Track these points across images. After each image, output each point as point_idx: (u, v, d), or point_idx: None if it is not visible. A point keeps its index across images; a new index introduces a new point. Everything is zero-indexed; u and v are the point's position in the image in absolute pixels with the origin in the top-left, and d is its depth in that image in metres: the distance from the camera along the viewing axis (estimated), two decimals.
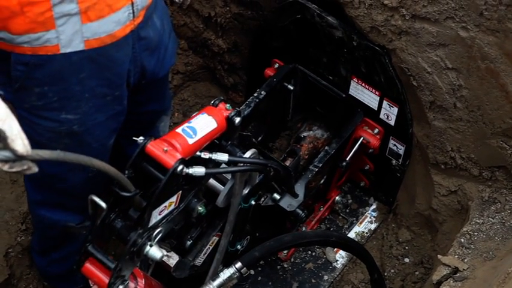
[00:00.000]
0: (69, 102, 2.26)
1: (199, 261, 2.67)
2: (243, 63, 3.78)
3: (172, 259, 2.60)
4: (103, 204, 2.05)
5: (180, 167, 2.06)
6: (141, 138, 2.09)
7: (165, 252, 2.47)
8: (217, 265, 2.67)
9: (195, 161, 2.19)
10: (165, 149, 2.07)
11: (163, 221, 2.24)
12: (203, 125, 2.22)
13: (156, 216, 2.17)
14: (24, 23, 2.00)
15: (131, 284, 2.30)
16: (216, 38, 3.74)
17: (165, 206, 2.20)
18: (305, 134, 3.27)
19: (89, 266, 2.17)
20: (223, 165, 2.34)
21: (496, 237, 2.64)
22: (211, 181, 2.54)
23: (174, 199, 2.21)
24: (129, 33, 2.27)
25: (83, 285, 3.08)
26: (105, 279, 2.14)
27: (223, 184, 2.54)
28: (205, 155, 2.21)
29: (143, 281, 2.35)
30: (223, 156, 2.25)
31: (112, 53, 2.25)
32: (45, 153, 1.64)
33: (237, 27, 3.58)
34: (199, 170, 2.14)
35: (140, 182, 2.07)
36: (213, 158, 2.22)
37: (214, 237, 2.67)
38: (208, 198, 2.50)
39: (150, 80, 2.56)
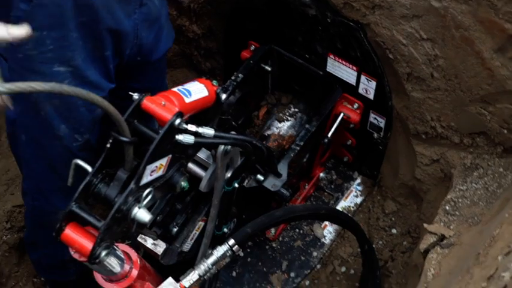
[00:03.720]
0: (65, 52, 2.25)
1: (186, 247, 2.67)
2: (219, 48, 3.77)
3: (160, 247, 2.59)
4: (88, 168, 2.00)
5: (178, 120, 2.03)
6: (136, 94, 2.04)
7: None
8: (205, 249, 2.67)
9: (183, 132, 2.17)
10: (163, 102, 2.05)
11: (154, 182, 2.18)
12: (196, 89, 2.20)
13: (147, 176, 2.11)
14: None
15: (126, 266, 2.29)
16: (190, 23, 3.72)
17: (156, 167, 2.14)
18: (269, 132, 3.25)
19: (69, 232, 2.02)
20: None
21: (480, 202, 2.66)
22: (193, 167, 2.54)
23: (164, 162, 2.18)
24: None
25: (76, 278, 3.08)
26: (88, 245, 2.00)
27: (205, 169, 2.54)
28: (192, 128, 2.19)
29: (139, 261, 2.32)
30: (209, 130, 2.23)
31: (114, 4, 2.26)
32: (38, 85, 1.56)
33: (211, 12, 3.57)
34: (188, 138, 2.11)
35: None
36: (199, 131, 2.19)
37: (200, 222, 2.67)
38: (191, 184, 2.49)
39: (144, 60, 2.57)
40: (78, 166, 2.00)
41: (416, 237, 3.28)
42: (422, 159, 3.08)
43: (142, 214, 2.07)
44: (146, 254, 2.64)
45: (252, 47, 3.32)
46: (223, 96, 2.36)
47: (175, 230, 2.60)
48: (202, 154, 2.54)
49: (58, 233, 2.04)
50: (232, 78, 3.05)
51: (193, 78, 2.31)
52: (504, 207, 2.42)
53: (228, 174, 2.57)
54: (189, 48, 3.92)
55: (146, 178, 2.11)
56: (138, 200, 2.10)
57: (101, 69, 2.41)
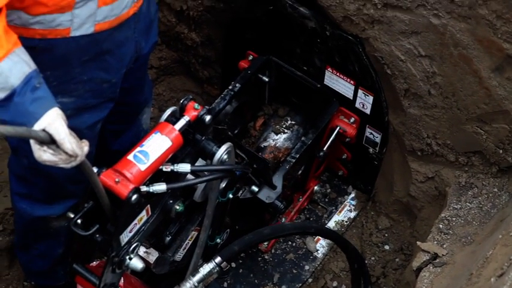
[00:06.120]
0: (68, 86, 2.32)
1: (179, 256, 2.66)
2: (218, 56, 3.77)
3: (152, 255, 2.59)
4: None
5: (134, 197, 2.06)
6: (94, 167, 2.07)
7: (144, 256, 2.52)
8: (197, 259, 2.67)
9: (158, 174, 2.20)
10: (117, 180, 2.07)
11: (140, 232, 2.28)
12: (156, 146, 2.19)
13: (126, 235, 2.21)
14: (47, 5, 2.05)
15: None
16: (189, 31, 3.72)
17: (135, 224, 2.22)
18: (265, 144, 3.24)
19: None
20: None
21: (474, 222, 2.66)
22: (188, 176, 2.53)
23: (143, 213, 2.23)
24: (132, 16, 2.36)
25: (65, 282, 3.07)
26: None
27: None
28: (167, 168, 2.21)
29: (122, 280, 2.37)
30: (185, 167, 2.25)
31: (116, 35, 2.33)
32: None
33: (210, 20, 3.57)
34: (160, 188, 2.15)
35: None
36: (175, 170, 2.23)
37: (194, 232, 2.67)
38: (186, 194, 2.49)
39: (137, 58, 2.61)
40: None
41: (409, 255, 3.28)
42: (417, 176, 3.08)
43: (135, 263, 2.28)
44: None
45: (250, 57, 3.32)
46: (207, 118, 2.34)
47: (168, 239, 2.60)
48: (198, 163, 2.54)
49: (72, 275, 2.38)
50: (230, 87, 3.05)
51: (157, 126, 2.28)
52: (498, 228, 2.41)
53: (223, 185, 2.56)
54: (187, 56, 3.92)
55: (126, 237, 2.22)
56: (127, 252, 2.26)
57: (104, 92, 2.46)
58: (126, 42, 2.43)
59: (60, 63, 2.24)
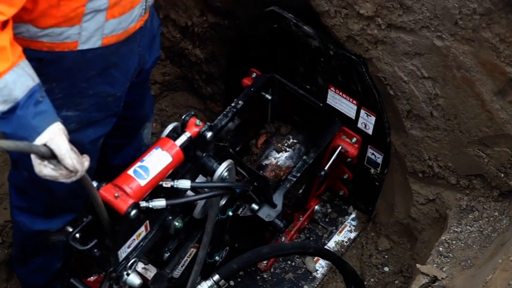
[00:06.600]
0: (73, 99, 2.32)
1: (177, 273, 2.65)
2: (221, 73, 3.77)
3: (150, 272, 2.57)
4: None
5: (133, 212, 2.06)
6: (94, 182, 2.08)
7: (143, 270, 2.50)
8: (195, 277, 2.65)
9: (158, 190, 2.20)
10: (116, 194, 2.08)
11: (138, 248, 2.27)
12: (156, 162, 2.19)
13: (125, 251, 2.20)
14: (55, 17, 2.05)
15: None
16: (193, 47, 3.72)
17: (133, 239, 2.22)
18: (267, 162, 3.24)
19: None
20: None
21: (474, 246, 2.65)
22: (188, 192, 2.53)
23: (142, 229, 2.22)
24: (138, 29, 2.36)
25: None
26: None
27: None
28: (167, 184, 2.21)
29: None
30: (185, 184, 2.25)
31: (122, 49, 2.33)
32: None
33: (214, 37, 3.58)
34: (159, 204, 2.15)
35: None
36: (175, 186, 2.23)
37: (192, 249, 2.65)
38: (185, 210, 2.48)
39: (140, 72, 2.62)
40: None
41: (409, 277, 3.25)
42: (418, 198, 3.07)
43: (132, 279, 2.28)
44: None
45: (254, 75, 3.32)
46: (209, 134, 2.35)
47: (166, 255, 2.58)
48: (198, 180, 2.53)
49: None
50: (232, 104, 3.05)
51: (158, 141, 2.28)
52: (498, 253, 2.40)
53: (223, 202, 2.55)
54: (191, 72, 3.92)
55: (124, 253, 2.22)
56: (125, 268, 2.26)
57: (109, 106, 2.47)
58: (131, 55, 2.43)
59: (66, 75, 2.25)
